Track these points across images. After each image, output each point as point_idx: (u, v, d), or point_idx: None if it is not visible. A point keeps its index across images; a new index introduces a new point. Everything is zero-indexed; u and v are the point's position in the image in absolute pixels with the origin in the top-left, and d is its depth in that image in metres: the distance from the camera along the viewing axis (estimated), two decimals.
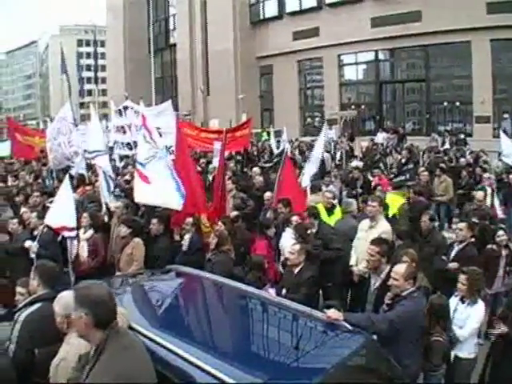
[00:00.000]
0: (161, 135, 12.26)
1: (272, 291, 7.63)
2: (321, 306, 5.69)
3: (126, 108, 14.21)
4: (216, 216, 10.08)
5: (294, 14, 46.37)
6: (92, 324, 3.70)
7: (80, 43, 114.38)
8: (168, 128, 12.74)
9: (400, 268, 6.15)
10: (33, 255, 9.04)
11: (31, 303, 5.38)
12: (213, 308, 6.14)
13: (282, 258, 9.33)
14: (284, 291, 7.64)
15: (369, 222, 9.17)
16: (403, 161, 20.48)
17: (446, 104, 38.23)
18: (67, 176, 10.71)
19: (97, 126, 12.42)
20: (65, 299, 4.54)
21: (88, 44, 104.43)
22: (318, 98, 47.82)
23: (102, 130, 12.40)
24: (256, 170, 16.26)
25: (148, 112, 13.48)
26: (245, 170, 18.01)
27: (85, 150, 14.05)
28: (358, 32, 39.23)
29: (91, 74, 79.76)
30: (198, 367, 4.24)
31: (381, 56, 42.31)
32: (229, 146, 18.35)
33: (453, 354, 6.46)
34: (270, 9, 48.64)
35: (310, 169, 13.89)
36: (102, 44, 72.88)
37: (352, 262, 8.98)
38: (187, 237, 9.14)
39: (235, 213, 10.90)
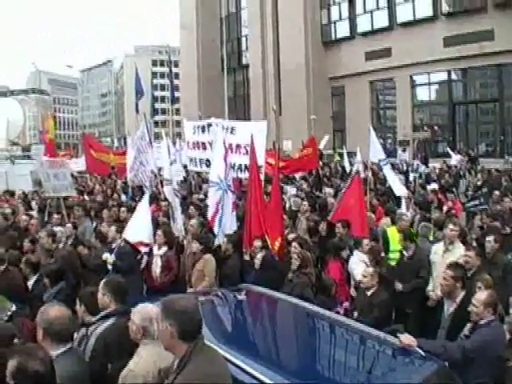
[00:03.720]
0: (247, 152, 12.39)
1: (341, 310, 7.64)
2: (385, 330, 5.58)
3: (209, 125, 14.34)
4: (275, 237, 9.93)
5: (365, 34, 46.41)
6: (177, 335, 3.73)
7: (154, 63, 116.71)
8: (259, 147, 12.72)
9: (481, 295, 6.00)
10: (110, 267, 9.34)
11: (104, 318, 5.40)
12: (283, 328, 6.13)
13: (352, 281, 9.30)
14: (356, 314, 7.61)
15: (443, 246, 9.01)
16: (479, 183, 20.03)
17: None
18: (147, 193, 11.08)
19: (166, 154, 12.59)
20: (144, 310, 4.62)
21: (162, 64, 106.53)
22: (390, 118, 47.61)
23: (169, 159, 12.55)
24: (329, 190, 16.13)
25: (239, 128, 13.72)
26: (315, 191, 17.85)
27: (159, 169, 14.33)
28: (430, 52, 38.89)
29: (165, 94, 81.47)
30: None
31: (453, 76, 41.91)
32: (294, 167, 18.47)
33: None
34: (342, 29, 48.84)
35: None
36: (176, 64, 74.16)
37: (429, 287, 8.85)
38: (260, 256, 9.13)
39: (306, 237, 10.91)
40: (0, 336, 5.03)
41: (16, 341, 5.39)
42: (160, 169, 14.61)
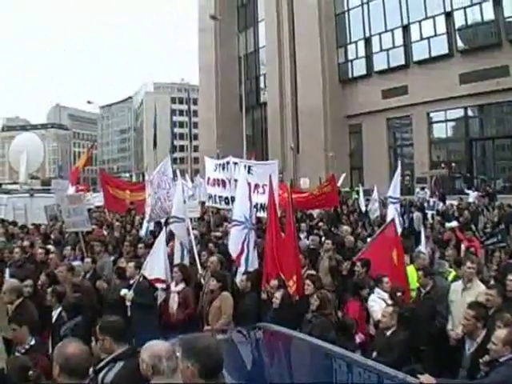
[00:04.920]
0: (265, 192, 12.49)
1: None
2: (404, 370, 5.51)
3: (228, 163, 14.44)
4: (289, 275, 9.79)
5: (382, 72, 46.80)
6: (198, 374, 3.70)
7: (173, 100, 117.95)
8: (274, 186, 12.84)
9: (501, 333, 5.92)
10: (128, 303, 9.36)
11: (112, 362, 5.30)
12: (301, 368, 6.06)
13: (371, 320, 9.21)
14: (375, 354, 7.51)
15: (461, 284, 8.92)
16: (495, 219, 19.90)
17: None
18: (164, 230, 11.13)
19: (179, 192, 12.69)
20: (154, 348, 4.46)
21: (181, 101, 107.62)
22: (407, 156, 47.66)
23: (183, 197, 12.58)
24: (346, 228, 16.07)
25: (255, 167, 13.83)
26: (332, 229, 17.76)
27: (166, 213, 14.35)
28: (446, 89, 39.10)
29: (183, 131, 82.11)
30: None
31: (470, 113, 42.12)
32: (312, 203, 18.43)
33: None
34: (359, 67, 49.36)
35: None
36: (195, 101, 74.98)
37: (449, 326, 8.73)
38: (278, 294, 9.07)
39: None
40: (15, 368, 5.08)
41: (30, 373, 5.43)
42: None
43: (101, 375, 5.12)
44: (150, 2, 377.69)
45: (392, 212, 14.86)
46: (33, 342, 6.57)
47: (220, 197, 14.52)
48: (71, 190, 20.94)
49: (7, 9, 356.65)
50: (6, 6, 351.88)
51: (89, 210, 16.88)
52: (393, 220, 11.61)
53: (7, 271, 10.60)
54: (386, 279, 9.33)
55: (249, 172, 13.47)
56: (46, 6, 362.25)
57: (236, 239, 11.09)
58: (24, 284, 9.03)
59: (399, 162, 17.58)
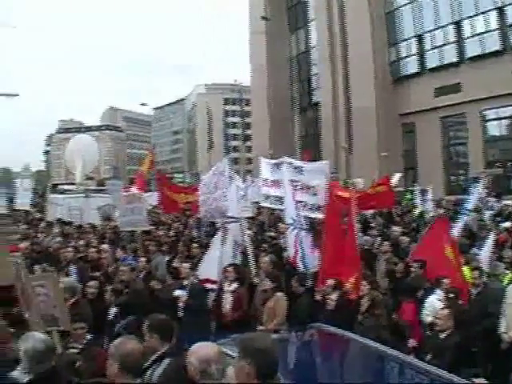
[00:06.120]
0: (316, 193, 12.48)
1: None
2: (464, 374, 5.40)
3: (282, 163, 14.41)
4: (348, 276, 9.79)
5: (434, 69, 46.18)
6: (254, 375, 3.65)
7: (226, 101, 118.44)
8: (324, 186, 12.86)
9: None
10: (181, 304, 9.40)
11: (157, 361, 5.28)
12: (357, 370, 6.02)
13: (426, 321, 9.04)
14: (429, 357, 7.38)
15: None
16: None
17: None
18: (220, 230, 11.19)
19: (235, 193, 12.68)
20: (202, 351, 4.34)
21: (234, 103, 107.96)
22: (461, 155, 46.84)
23: (238, 196, 12.60)
24: (396, 229, 15.80)
25: (306, 168, 13.76)
26: (385, 230, 17.52)
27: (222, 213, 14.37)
28: (500, 86, 38.26)
29: (236, 131, 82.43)
30: None
31: None
32: (368, 204, 18.21)
33: None
34: (411, 65, 48.84)
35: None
36: (247, 102, 75.21)
37: (502, 328, 8.52)
38: (334, 296, 9.01)
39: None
40: (63, 363, 5.17)
41: (78, 364, 5.69)
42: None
43: (148, 373, 5.12)
44: (203, 4, 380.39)
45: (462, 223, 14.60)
46: (89, 337, 6.72)
47: (275, 197, 14.49)
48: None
49: (63, 11, 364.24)
50: (62, 7, 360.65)
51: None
52: (441, 216, 11.51)
53: (72, 270, 10.72)
54: (446, 280, 9.16)
55: (300, 173, 13.43)
56: (100, 7, 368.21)
57: (289, 241, 11.21)
58: (88, 285, 9.22)
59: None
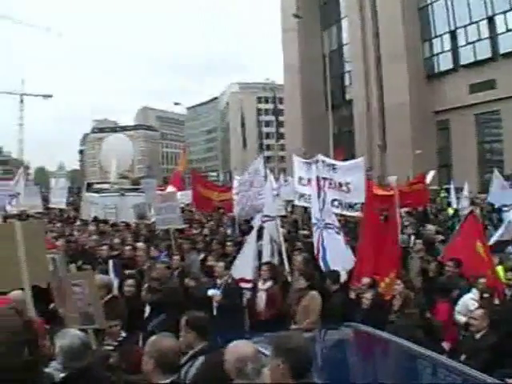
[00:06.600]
0: (349, 191, 12.43)
1: None
2: (497, 374, 5.32)
3: (316, 161, 14.39)
4: (385, 274, 9.76)
5: (469, 66, 45.66)
6: (288, 374, 3.66)
7: (259, 100, 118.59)
8: (358, 184, 12.84)
9: None
10: (215, 304, 9.41)
11: (192, 358, 5.32)
12: (387, 369, 6.02)
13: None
14: (463, 357, 7.28)
15: None
16: None
17: None
18: (255, 228, 11.19)
19: (270, 191, 12.67)
20: (240, 350, 4.39)
21: (267, 101, 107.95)
22: (496, 152, 46.22)
23: (273, 195, 12.59)
24: (430, 227, 15.67)
25: (340, 166, 13.77)
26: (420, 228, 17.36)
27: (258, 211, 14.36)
28: None
29: (270, 130, 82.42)
30: None
31: None
32: (403, 201, 18.05)
33: None
34: (445, 61, 48.45)
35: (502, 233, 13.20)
36: (281, 100, 75.16)
37: None
38: (369, 295, 8.94)
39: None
40: (96, 359, 5.22)
41: (111, 361, 5.83)
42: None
43: (183, 370, 5.11)
44: (235, 3, 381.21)
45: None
46: (124, 335, 6.78)
47: (309, 196, 14.50)
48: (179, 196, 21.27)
49: (95, 13, 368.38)
50: (95, 9, 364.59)
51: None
52: (472, 212, 11.40)
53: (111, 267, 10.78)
54: (482, 280, 9.04)
55: (333, 170, 13.40)
56: (131, 7, 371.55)
57: (314, 239, 11.24)
58: (126, 284, 9.29)
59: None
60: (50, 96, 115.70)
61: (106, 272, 9.81)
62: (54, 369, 4.74)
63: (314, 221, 11.39)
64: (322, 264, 10.69)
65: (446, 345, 8.24)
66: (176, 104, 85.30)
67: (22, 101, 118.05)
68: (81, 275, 6.99)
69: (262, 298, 9.79)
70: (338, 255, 10.71)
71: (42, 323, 6.12)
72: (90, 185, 33.35)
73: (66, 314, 6.49)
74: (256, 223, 13.58)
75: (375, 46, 52.53)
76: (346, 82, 61.43)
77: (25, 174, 29.03)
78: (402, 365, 6.21)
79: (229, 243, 13.08)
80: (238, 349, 4.39)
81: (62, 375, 4.65)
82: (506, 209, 15.24)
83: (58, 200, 23.77)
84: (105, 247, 12.66)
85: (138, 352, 5.64)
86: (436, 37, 49.34)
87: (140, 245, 12.90)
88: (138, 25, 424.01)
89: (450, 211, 21.30)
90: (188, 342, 5.43)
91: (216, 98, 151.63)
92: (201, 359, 5.25)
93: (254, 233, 11.05)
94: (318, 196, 11.41)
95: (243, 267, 10.27)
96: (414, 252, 12.16)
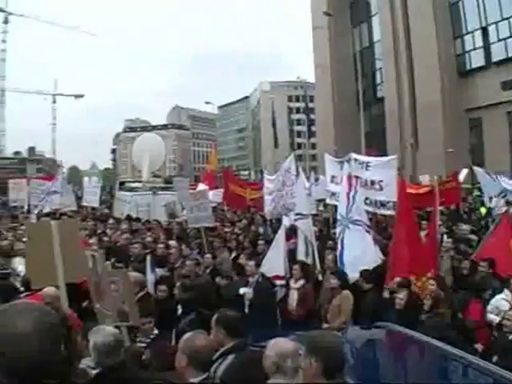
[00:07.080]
0: (382, 188, 12.38)
1: None
2: None
3: (349, 159, 14.36)
4: (421, 273, 9.62)
5: (501, 63, 44.98)
6: (321, 372, 3.67)
7: (290, 98, 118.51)
8: (390, 182, 12.78)
9: None
10: (247, 302, 9.45)
11: (222, 355, 5.27)
12: (419, 371, 5.90)
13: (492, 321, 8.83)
14: (495, 358, 7.17)
15: None
16: None
17: None
18: (282, 226, 11.18)
19: (302, 189, 12.67)
20: (281, 345, 4.41)
21: (298, 99, 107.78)
22: None
23: (305, 193, 12.60)
24: (466, 227, 15.52)
25: (373, 164, 13.71)
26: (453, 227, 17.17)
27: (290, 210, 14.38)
28: None
29: (301, 128, 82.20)
30: None
31: None
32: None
33: None
34: (477, 58, 47.73)
35: None
36: (311, 99, 74.93)
37: None
38: (403, 295, 8.86)
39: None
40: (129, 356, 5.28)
41: (144, 357, 5.98)
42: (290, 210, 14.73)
43: (213, 368, 5.08)
44: (266, 2, 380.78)
45: None
46: (156, 332, 6.86)
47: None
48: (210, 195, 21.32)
49: (129, 13, 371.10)
50: (129, 10, 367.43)
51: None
52: (506, 212, 11.28)
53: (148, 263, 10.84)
54: None
55: (366, 168, 13.35)
56: (167, 7, 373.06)
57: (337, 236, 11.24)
58: (159, 289, 9.37)
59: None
60: (82, 96, 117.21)
61: (139, 270, 9.89)
62: (87, 366, 4.81)
63: (338, 217, 11.41)
64: (338, 262, 10.66)
65: (478, 346, 8.15)
66: (207, 103, 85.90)
67: (54, 101, 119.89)
68: (116, 273, 7.08)
69: (293, 296, 9.82)
70: (363, 252, 10.67)
71: (76, 320, 6.20)
72: (122, 183, 33.71)
73: (101, 311, 6.58)
74: (286, 222, 13.63)
75: (406, 43, 51.90)
76: (378, 80, 60.88)
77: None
78: (434, 366, 6.11)
79: (260, 242, 13.14)
80: (279, 345, 4.41)
81: (95, 372, 4.72)
82: None
83: (91, 198, 24.00)
84: (137, 245, 12.76)
85: (170, 349, 5.70)
86: (467, 33, 48.63)
87: (172, 243, 13.01)
88: (169, 25, 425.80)
89: (483, 210, 21.07)
90: (218, 340, 5.43)
91: (247, 97, 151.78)
92: (230, 357, 5.23)
93: (282, 231, 11.03)
94: (348, 193, 11.36)
95: (275, 264, 10.29)
96: (444, 251, 12.02)
